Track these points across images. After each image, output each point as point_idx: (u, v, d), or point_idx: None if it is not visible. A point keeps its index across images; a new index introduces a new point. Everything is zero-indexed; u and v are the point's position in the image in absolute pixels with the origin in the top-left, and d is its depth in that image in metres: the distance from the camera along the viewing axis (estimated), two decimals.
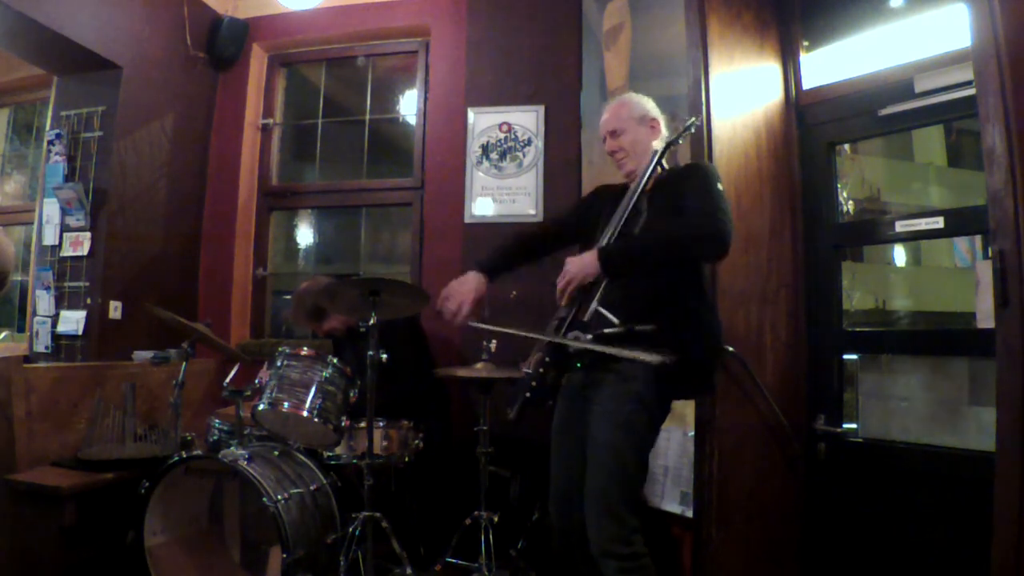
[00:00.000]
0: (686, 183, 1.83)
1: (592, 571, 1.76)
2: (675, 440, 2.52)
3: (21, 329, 3.77)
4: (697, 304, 1.84)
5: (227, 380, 2.40)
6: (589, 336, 1.69)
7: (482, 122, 3.34)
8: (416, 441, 2.56)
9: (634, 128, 1.98)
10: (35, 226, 3.35)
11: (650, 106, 2.03)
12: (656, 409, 1.79)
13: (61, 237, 3.20)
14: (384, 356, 2.20)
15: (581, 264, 1.79)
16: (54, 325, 3.13)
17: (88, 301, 3.12)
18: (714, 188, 1.79)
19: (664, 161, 1.90)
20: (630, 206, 1.85)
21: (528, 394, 1.79)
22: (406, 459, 2.51)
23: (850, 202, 2.51)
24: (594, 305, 1.72)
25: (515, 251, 2.15)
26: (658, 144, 1.94)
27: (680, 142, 1.92)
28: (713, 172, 1.87)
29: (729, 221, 1.72)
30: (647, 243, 1.80)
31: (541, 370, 1.77)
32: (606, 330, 1.70)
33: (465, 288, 1.99)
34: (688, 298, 1.82)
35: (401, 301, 2.35)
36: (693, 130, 1.94)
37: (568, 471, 1.88)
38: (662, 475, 2.54)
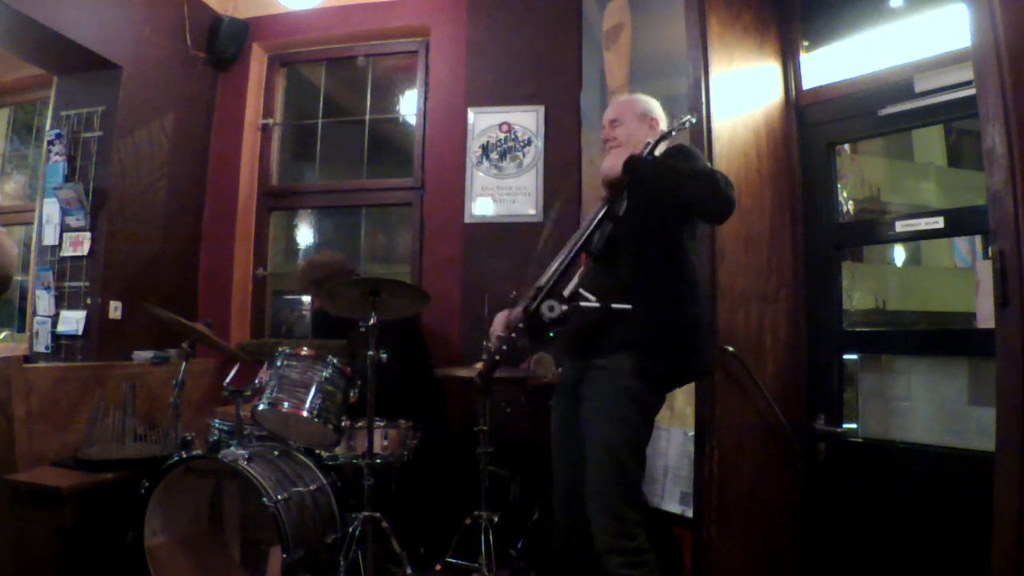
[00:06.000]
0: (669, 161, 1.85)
1: (594, 569, 1.76)
2: (675, 440, 2.52)
3: (21, 329, 3.76)
4: (677, 287, 1.83)
5: (227, 380, 2.39)
6: (564, 307, 1.69)
7: (482, 122, 3.34)
8: (414, 440, 2.56)
9: (633, 122, 2.02)
10: (35, 226, 3.35)
11: (654, 106, 2.06)
12: (648, 401, 1.80)
13: (61, 237, 3.19)
14: (384, 356, 2.20)
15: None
16: (54, 325, 3.13)
17: (88, 301, 3.11)
18: (696, 155, 1.85)
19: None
20: None
21: (497, 357, 1.78)
22: (405, 456, 2.52)
23: (850, 202, 2.51)
24: (573, 286, 1.73)
25: None
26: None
27: (673, 134, 1.92)
28: (693, 148, 1.93)
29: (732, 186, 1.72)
30: (668, 166, 1.79)
31: (513, 335, 1.75)
32: (582, 303, 1.71)
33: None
34: (668, 282, 1.82)
35: (401, 301, 2.35)
36: (688, 125, 1.94)
37: (569, 469, 1.90)
38: (662, 475, 2.54)
